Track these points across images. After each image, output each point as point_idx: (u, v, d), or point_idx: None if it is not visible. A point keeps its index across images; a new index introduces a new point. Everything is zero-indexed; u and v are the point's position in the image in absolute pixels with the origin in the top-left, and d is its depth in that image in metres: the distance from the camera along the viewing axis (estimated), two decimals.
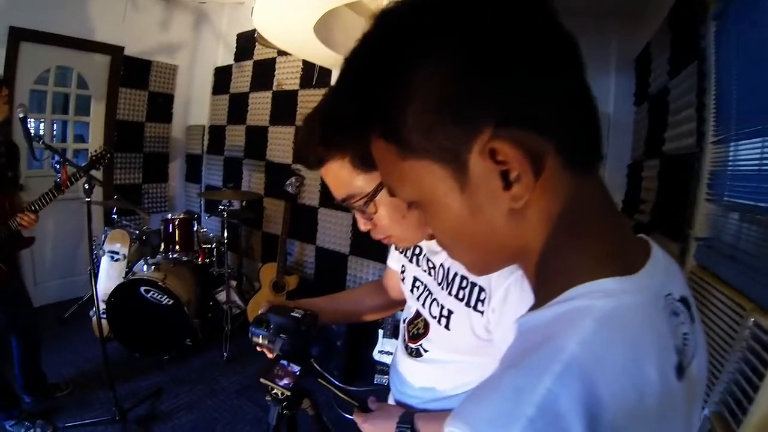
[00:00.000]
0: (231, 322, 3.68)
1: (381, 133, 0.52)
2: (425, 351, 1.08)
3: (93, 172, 2.60)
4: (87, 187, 2.48)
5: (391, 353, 3.20)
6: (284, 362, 1.15)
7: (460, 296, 0.95)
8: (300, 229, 4.05)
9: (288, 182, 3.78)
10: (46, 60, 3.99)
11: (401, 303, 1.34)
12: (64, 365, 3.37)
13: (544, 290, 0.51)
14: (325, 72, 3.75)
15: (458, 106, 0.45)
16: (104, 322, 3.41)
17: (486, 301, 0.89)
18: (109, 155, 2.74)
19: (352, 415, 1.15)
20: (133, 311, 3.38)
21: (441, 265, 1.03)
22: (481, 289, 0.90)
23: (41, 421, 2.67)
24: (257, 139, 4.44)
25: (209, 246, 3.92)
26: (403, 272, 1.21)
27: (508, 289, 0.84)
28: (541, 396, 0.38)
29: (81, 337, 3.71)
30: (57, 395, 3.00)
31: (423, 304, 1.08)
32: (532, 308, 0.52)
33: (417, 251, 1.15)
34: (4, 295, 2.54)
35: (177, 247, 3.71)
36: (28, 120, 2.43)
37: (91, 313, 3.65)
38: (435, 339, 1.05)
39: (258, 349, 1.19)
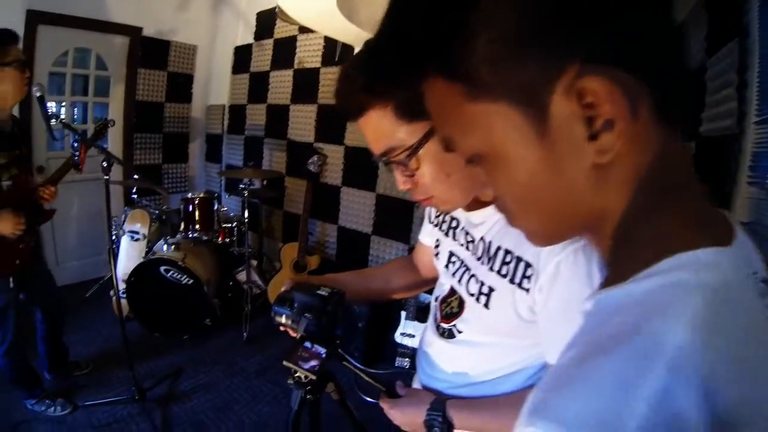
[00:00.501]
0: (251, 303, 3.66)
1: (443, 71, 0.45)
2: (459, 332, 1.02)
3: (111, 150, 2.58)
4: (105, 165, 2.45)
5: (413, 336, 3.18)
6: (308, 344, 1.10)
7: (504, 272, 0.88)
8: (322, 208, 3.99)
9: (310, 161, 3.76)
10: (64, 42, 3.95)
11: (432, 281, 1.26)
12: (85, 344, 3.39)
13: (625, 261, 0.44)
14: (348, 49, 3.65)
15: (539, 37, 0.39)
16: (124, 301, 3.43)
17: (533, 278, 0.82)
18: (111, 123, 2.72)
19: (376, 400, 1.12)
20: (153, 291, 3.39)
21: (482, 238, 0.96)
22: (528, 265, 0.83)
23: (61, 399, 2.70)
24: (278, 117, 4.37)
25: (229, 225, 3.90)
26: (437, 247, 1.15)
27: (559, 266, 0.78)
28: (653, 389, 0.32)
29: (102, 316, 3.72)
30: (77, 374, 3.03)
31: (459, 281, 1.01)
32: (608, 283, 0.45)
33: (454, 224, 1.08)
34: (28, 273, 2.52)
35: (197, 226, 3.69)
36: (46, 100, 2.39)
37: (111, 292, 3.64)
38: (471, 319, 0.99)
39: (281, 329, 1.13)
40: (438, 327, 1.08)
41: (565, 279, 0.77)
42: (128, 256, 3.70)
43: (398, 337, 3.21)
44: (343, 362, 1.20)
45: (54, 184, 2.49)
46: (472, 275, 0.97)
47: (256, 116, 4.61)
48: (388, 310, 3.29)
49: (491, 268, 0.91)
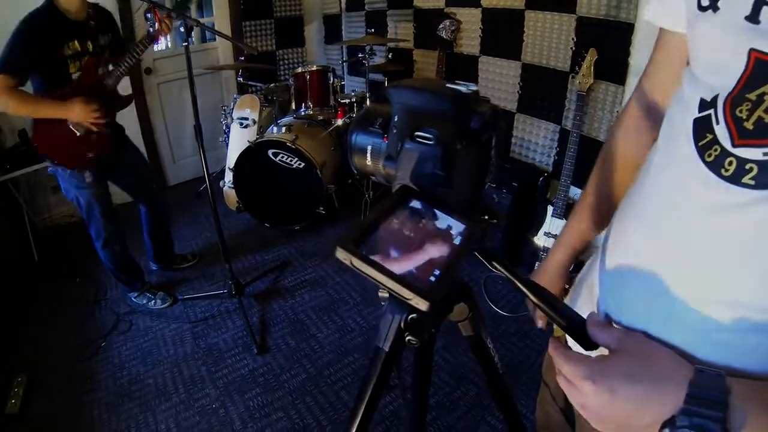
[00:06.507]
0: (373, 189, 3.23)
1: None
2: None
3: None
4: (182, 30, 2.18)
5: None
6: (419, 206, 0.50)
7: None
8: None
9: (441, 25, 3.19)
10: None
11: None
12: (194, 238, 3.30)
13: None
14: None
15: None
16: (233, 192, 3.22)
17: None
18: None
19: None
20: (262, 178, 3.09)
21: None
22: None
23: (162, 293, 2.69)
24: None
25: (348, 101, 3.38)
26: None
27: None
28: None
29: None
30: (183, 266, 2.97)
31: None
32: None
33: None
34: (114, 166, 2.40)
35: (309, 102, 3.25)
36: None
37: (221, 183, 3.44)
38: None
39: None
40: (723, 161, 0.46)
41: None
42: (239, 144, 3.38)
43: (540, 239, 2.60)
44: (494, 263, 0.58)
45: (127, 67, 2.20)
46: None
47: None
48: (532, 204, 2.67)
49: None
